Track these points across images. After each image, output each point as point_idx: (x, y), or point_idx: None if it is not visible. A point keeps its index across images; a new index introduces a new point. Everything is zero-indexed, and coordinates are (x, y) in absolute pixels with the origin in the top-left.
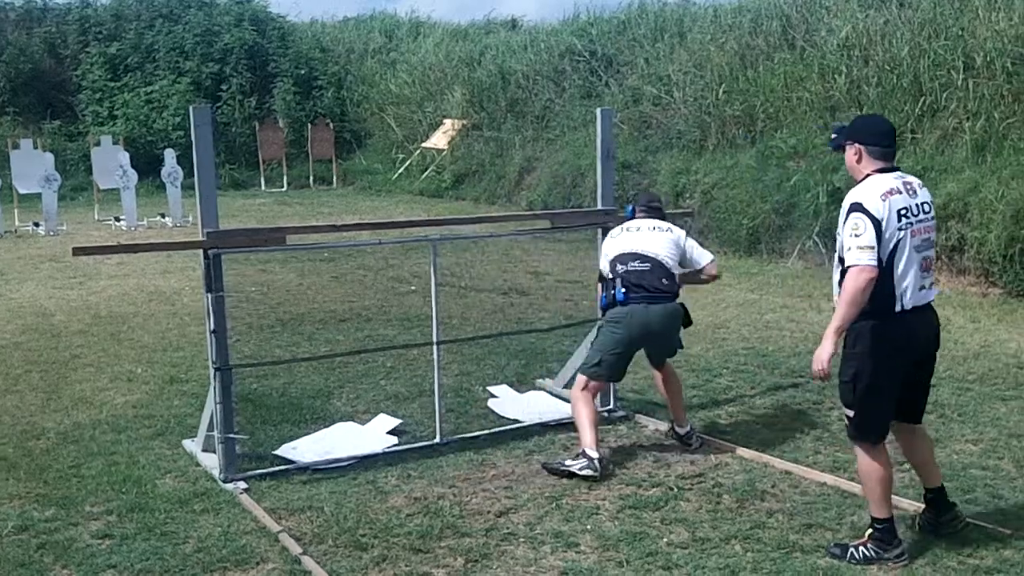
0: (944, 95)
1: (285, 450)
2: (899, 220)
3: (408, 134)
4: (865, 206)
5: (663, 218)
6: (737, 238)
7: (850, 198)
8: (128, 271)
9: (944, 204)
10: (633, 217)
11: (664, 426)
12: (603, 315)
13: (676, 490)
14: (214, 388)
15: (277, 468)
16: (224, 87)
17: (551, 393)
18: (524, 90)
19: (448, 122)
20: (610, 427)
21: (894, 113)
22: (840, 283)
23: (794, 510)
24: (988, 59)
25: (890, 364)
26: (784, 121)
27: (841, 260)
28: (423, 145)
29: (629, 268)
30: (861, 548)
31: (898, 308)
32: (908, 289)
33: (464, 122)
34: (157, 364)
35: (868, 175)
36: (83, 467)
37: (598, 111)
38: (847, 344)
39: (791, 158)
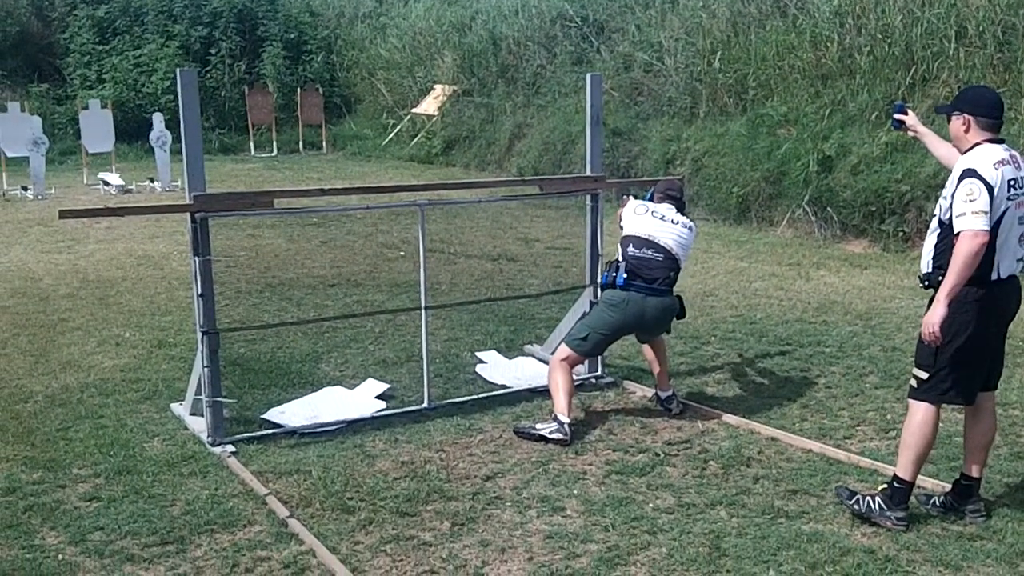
0: (936, 64)
1: (273, 414)
2: (1009, 190)
3: (398, 99)
4: (980, 172)
5: (682, 208)
6: (727, 206)
7: (962, 164)
8: (116, 235)
9: (934, 174)
10: (652, 199)
11: (650, 392)
12: (600, 291)
13: (662, 456)
14: (201, 352)
15: (265, 432)
16: (213, 51)
17: (539, 359)
18: (515, 56)
19: (438, 87)
20: (597, 393)
21: (886, 82)
22: (936, 247)
23: (779, 476)
24: (980, 28)
25: (980, 331)
26: (775, 89)
27: (941, 224)
28: (413, 111)
29: (641, 255)
30: (868, 498)
31: (994, 276)
32: (1006, 259)
33: (455, 88)
34: (145, 328)
35: (977, 144)
36: (71, 430)
37: (587, 77)
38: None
39: (782, 126)
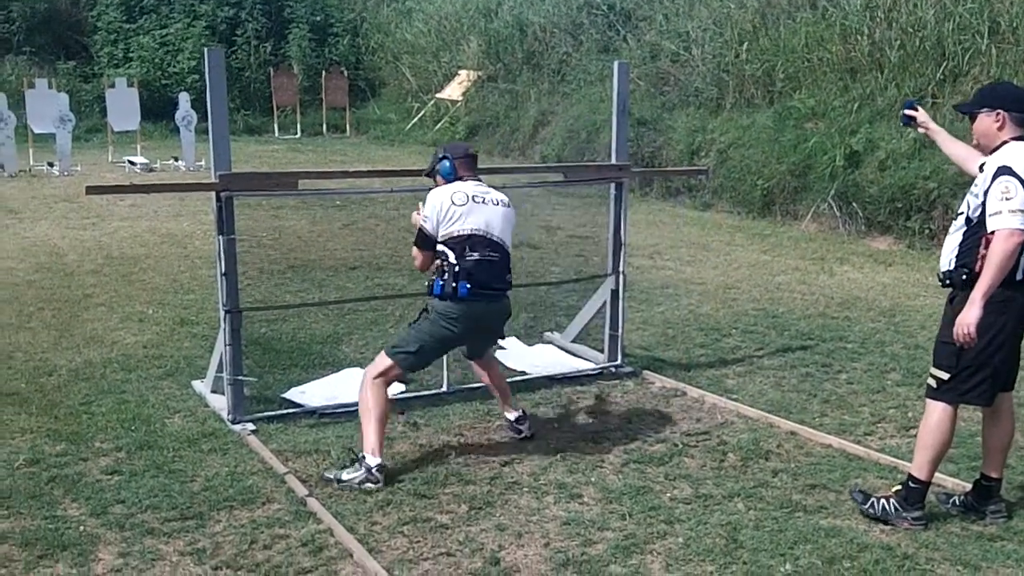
0: (967, 59)
1: (293, 394)
2: None
3: (423, 84)
4: (1016, 170)
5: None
6: (751, 199)
7: (996, 162)
8: (141, 213)
9: (962, 171)
10: (458, 177)
11: (670, 383)
12: (435, 300)
13: (680, 446)
14: (224, 330)
15: (285, 411)
16: (239, 32)
17: (559, 347)
18: (541, 42)
19: (463, 73)
20: (616, 382)
21: (916, 76)
22: (961, 244)
23: (798, 470)
24: (1013, 24)
25: (1003, 332)
26: (803, 82)
27: (968, 221)
28: (437, 96)
29: (480, 258)
30: (883, 500)
31: (1019, 276)
32: None
33: (479, 73)
34: (168, 306)
35: (1006, 141)
36: (93, 404)
37: (615, 65)
38: (957, 308)
39: (809, 119)
